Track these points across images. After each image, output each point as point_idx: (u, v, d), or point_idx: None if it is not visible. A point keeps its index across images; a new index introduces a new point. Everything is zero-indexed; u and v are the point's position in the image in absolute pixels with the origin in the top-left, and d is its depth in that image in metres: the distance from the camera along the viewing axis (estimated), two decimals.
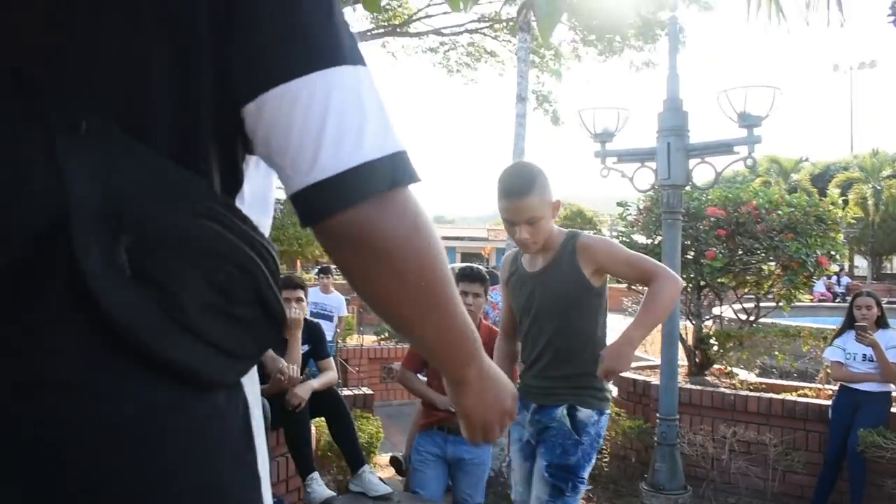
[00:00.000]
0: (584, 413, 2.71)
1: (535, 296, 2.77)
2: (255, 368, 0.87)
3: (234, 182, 0.82)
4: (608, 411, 2.83)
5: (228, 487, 0.78)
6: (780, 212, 6.10)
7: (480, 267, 4.11)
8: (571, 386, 2.74)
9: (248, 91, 0.75)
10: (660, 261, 5.12)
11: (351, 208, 0.74)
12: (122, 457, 0.70)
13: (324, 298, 8.34)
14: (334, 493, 3.95)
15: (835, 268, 7.13)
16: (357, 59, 0.78)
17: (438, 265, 0.82)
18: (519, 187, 2.61)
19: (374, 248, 0.77)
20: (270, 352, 4.06)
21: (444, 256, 0.83)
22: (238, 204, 0.81)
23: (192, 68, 0.75)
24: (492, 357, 3.20)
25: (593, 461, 2.78)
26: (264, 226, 0.89)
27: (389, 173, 0.76)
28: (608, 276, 2.79)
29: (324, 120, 0.74)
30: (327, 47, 0.76)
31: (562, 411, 2.71)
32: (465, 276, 3.92)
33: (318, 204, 0.75)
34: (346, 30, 0.79)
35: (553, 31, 1.91)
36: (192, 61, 0.75)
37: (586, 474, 2.73)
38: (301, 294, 4.33)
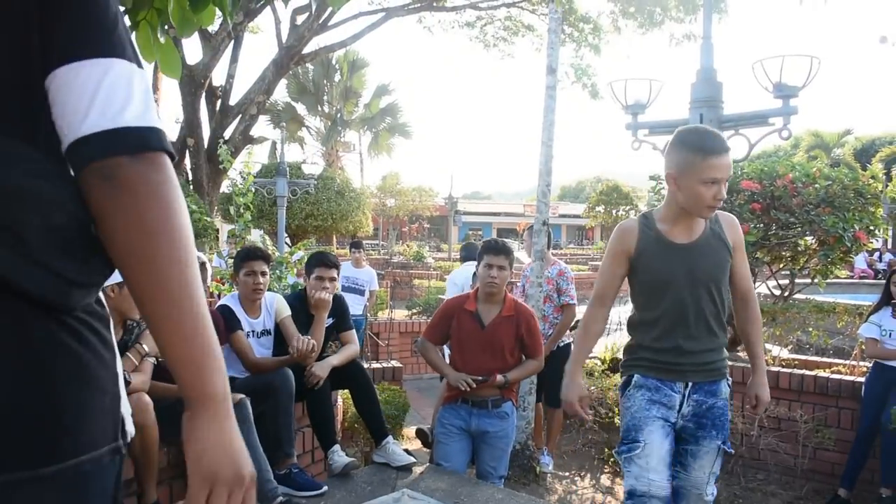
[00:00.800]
0: (730, 381, 2.88)
1: (692, 266, 2.72)
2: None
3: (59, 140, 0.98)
4: None
5: (99, 380, 0.98)
6: (817, 185, 5.95)
7: (506, 241, 4.06)
8: (722, 358, 2.83)
9: (50, 65, 0.94)
10: None
11: (111, 157, 0.94)
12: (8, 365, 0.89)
13: (355, 272, 8.37)
14: (354, 460, 3.98)
15: (875, 243, 6.95)
16: (134, 60, 1.00)
17: (181, 226, 0.98)
18: (724, 145, 2.64)
19: (126, 188, 0.94)
20: (292, 326, 4.08)
21: (188, 232, 0.99)
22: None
23: (25, 56, 0.94)
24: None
25: None
26: None
27: (143, 139, 0.96)
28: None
29: (96, 92, 0.94)
30: (110, 44, 0.97)
31: (724, 386, 2.82)
32: (489, 248, 3.88)
33: (84, 152, 0.94)
34: (129, 37, 1.01)
35: None
36: (25, 52, 0.94)
37: None
38: (335, 273, 4.28)
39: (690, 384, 2.75)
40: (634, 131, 5.20)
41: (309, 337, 3.91)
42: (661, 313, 2.76)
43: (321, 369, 3.94)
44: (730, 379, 2.87)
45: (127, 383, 3.15)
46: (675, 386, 2.76)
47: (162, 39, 2.26)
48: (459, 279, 6.72)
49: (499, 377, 3.78)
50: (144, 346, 3.29)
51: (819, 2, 5.10)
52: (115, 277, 3.21)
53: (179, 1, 2.23)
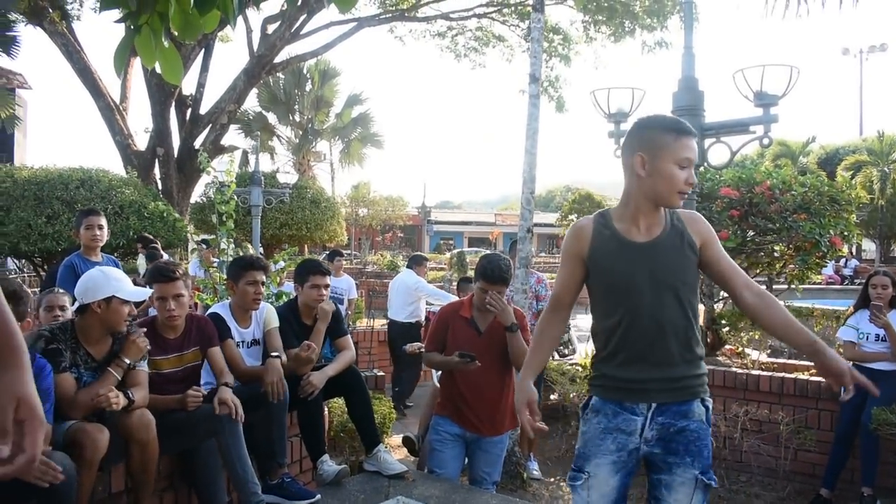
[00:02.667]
0: (710, 403, 2.46)
1: (653, 266, 2.38)
2: None
3: None
4: None
5: None
6: (793, 192, 6.08)
7: (505, 264, 3.81)
8: (697, 375, 2.42)
9: None
10: None
11: None
12: None
13: (334, 281, 8.32)
14: (345, 467, 3.96)
15: (845, 249, 7.10)
16: None
17: None
18: (692, 129, 2.41)
19: None
20: (277, 339, 4.04)
21: None
22: None
23: None
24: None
25: None
26: None
27: None
28: None
29: None
30: None
31: (698, 407, 2.41)
32: (487, 276, 3.74)
33: None
34: None
35: None
36: None
37: None
38: (328, 280, 4.28)
39: (654, 405, 2.39)
40: (617, 139, 5.25)
41: (311, 343, 3.91)
42: (620, 322, 2.43)
43: (318, 380, 3.92)
44: (708, 400, 2.45)
45: (130, 401, 3.11)
46: (638, 408, 2.40)
47: (165, 44, 2.24)
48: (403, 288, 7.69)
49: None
50: (125, 358, 3.23)
51: (778, 17, 5.22)
52: (100, 294, 3.17)
53: (181, 3, 2.22)
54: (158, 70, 2.36)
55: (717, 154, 4.92)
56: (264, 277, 4.02)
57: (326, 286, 4.20)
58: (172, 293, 3.50)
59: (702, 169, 5.44)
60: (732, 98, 4.80)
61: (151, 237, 9.37)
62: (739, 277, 2.43)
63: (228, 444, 3.38)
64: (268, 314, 4.12)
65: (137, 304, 4.25)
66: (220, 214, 5.50)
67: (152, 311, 3.69)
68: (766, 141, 4.63)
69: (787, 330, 2.37)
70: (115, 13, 2.28)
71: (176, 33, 2.28)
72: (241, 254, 5.23)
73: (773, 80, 4.50)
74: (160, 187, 16.34)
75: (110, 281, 3.20)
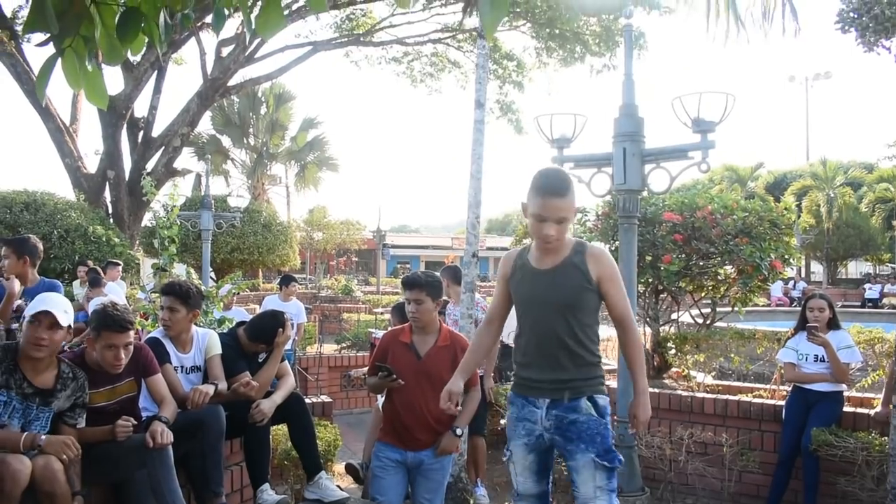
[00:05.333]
0: (602, 399, 3.00)
1: (545, 291, 2.96)
2: None
3: None
4: None
5: None
6: (734, 216, 6.20)
7: (426, 274, 3.92)
8: (586, 377, 2.98)
9: None
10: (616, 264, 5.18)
11: None
12: None
13: (283, 306, 8.28)
14: (286, 497, 3.89)
15: (789, 272, 7.26)
16: None
17: None
18: (559, 188, 2.90)
19: None
20: (218, 366, 3.99)
21: None
22: None
23: None
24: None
25: None
26: None
27: None
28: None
29: None
30: None
31: (586, 403, 2.96)
32: (405, 283, 3.87)
33: None
34: None
35: (497, 25, 1.93)
36: None
37: None
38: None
39: (548, 401, 2.98)
40: (560, 165, 5.29)
41: (207, 387, 3.81)
42: (524, 332, 3.07)
43: (268, 407, 3.88)
44: (602, 397, 3.00)
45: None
46: (538, 402, 3.00)
47: (89, 67, 2.20)
48: None
49: (458, 431, 3.80)
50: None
51: (720, 44, 5.37)
52: (32, 310, 3.11)
53: (107, 28, 2.19)
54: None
55: (658, 180, 4.99)
56: (176, 304, 3.93)
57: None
58: (124, 342, 3.42)
59: (645, 194, 5.52)
60: (676, 123, 4.88)
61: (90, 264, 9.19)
62: (615, 312, 3.00)
63: (158, 474, 3.31)
64: (210, 340, 4.06)
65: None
66: (162, 239, 5.42)
67: None
68: (703, 166, 4.71)
69: (626, 362, 3.09)
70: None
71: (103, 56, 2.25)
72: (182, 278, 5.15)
73: (710, 107, 4.58)
74: (110, 211, 16.06)
75: (46, 302, 3.22)
